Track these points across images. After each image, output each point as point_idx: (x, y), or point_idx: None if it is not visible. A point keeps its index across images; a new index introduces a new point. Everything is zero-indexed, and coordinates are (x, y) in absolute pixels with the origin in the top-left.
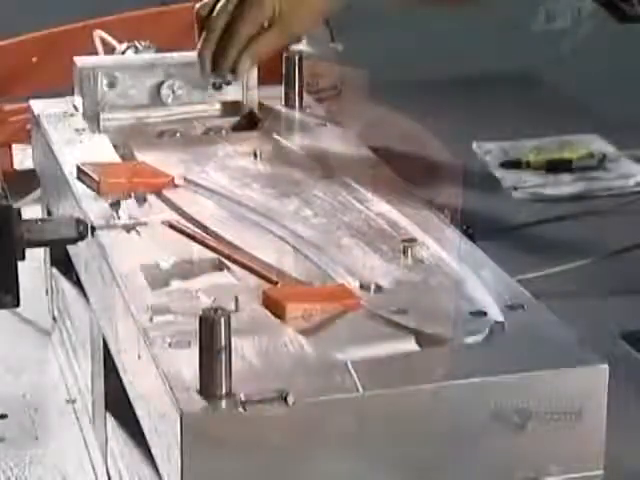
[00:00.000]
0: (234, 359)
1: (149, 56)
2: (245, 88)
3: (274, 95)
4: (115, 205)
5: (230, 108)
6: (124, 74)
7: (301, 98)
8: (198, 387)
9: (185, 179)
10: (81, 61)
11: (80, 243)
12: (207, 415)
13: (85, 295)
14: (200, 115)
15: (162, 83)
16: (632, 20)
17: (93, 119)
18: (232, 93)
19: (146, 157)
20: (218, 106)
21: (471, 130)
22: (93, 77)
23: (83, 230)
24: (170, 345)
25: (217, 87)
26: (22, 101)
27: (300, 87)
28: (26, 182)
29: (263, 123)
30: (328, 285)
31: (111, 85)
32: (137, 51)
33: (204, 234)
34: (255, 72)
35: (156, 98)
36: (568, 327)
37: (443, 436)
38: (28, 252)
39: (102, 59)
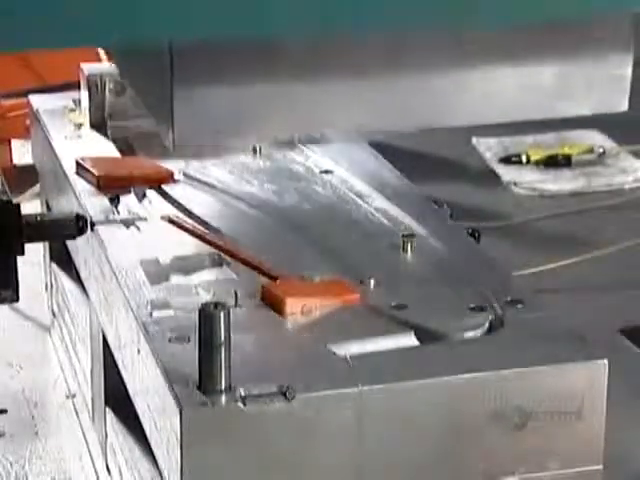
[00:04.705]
0: (233, 354)
1: None
2: None
3: None
4: (114, 200)
5: None
6: None
7: None
8: (198, 382)
9: (184, 174)
10: (88, 68)
11: (79, 238)
12: (207, 410)
13: (85, 290)
14: None
15: None
16: None
17: (100, 127)
18: None
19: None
20: None
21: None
22: (101, 84)
23: (82, 225)
24: (170, 340)
25: None
26: (21, 96)
27: None
28: (25, 177)
29: None
30: (327, 280)
31: (118, 92)
32: None
33: (204, 229)
34: None
35: None
36: (567, 322)
37: (443, 431)
38: (27, 247)
39: (109, 66)
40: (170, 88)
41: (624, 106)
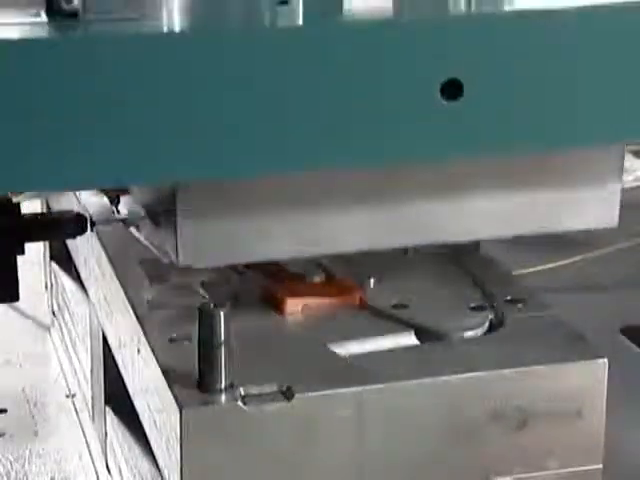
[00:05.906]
0: (234, 354)
1: None
2: None
3: None
4: (114, 200)
5: None
6: None
7: None
8: (198, 382)
9: None
10: None
11: (79, 238)
12: (206, 409)
13: (84, 289)
14: None
15: None
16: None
17: None
18: None
19: None
20: None
21: None
22: None
23: (82, 225)
24: (170, 340)
25: None
26: None
27: None
28: None
29: None
30: (327, 280)
31: None
32: None
33: None
34: None
35: None
36: (567, 321)
37: (443, 430)
38: (27, 247)
39: None
40: (174, 220)
41: (614, 221)
